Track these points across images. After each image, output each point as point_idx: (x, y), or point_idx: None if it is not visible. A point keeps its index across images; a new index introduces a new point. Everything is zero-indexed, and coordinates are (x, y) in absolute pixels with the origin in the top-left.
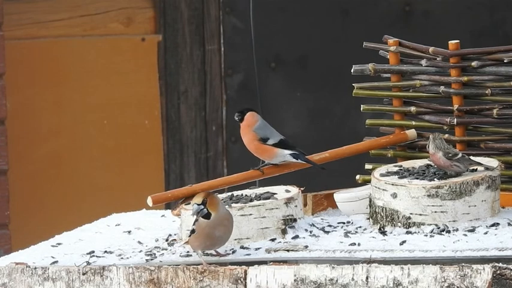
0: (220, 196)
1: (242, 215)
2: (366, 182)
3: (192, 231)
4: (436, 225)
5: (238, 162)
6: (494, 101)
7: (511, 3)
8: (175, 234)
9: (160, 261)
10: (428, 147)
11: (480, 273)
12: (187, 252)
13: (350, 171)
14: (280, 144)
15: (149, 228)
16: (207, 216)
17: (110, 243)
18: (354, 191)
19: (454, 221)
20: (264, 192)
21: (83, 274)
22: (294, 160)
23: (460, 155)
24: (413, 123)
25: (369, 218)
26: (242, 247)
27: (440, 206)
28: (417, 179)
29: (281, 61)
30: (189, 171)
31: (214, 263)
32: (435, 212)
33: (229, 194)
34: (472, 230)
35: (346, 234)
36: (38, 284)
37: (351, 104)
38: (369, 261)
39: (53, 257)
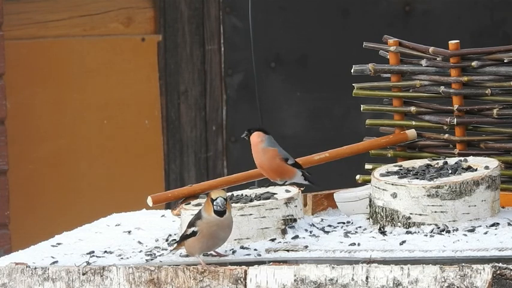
0: None
1: (242, 215)
2: (366, 182)
3: (193, 234)
4: (436, 225)
5: (238, 162)
6: (494, 101)
7: (511, 3)
8: (175, 234)
9: (160, 261)
10: None
11: (480, 273)
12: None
13: (350, 171)
14: (295, 165)
15: (149, 228)
16: (222, 213)
17: (110, 243)
18: (354, 191)
19: (454, 221)
20: (264, 192)
21: (83, 274)
22: (304, 182)
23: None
24: (413, 123)
25: (369, 218)
26: (242, 247)
27: (440, 206)
28: (417, 178)
29: (281, 61)
30: (189, 171)
31: (214, 263)
32: (435, 212)
33: (229, 194)
34: (472, 230)
35: (346, 234)
36: (38, 284)
37: (351, 104)
38: (369, 261)
39: (53, 257)
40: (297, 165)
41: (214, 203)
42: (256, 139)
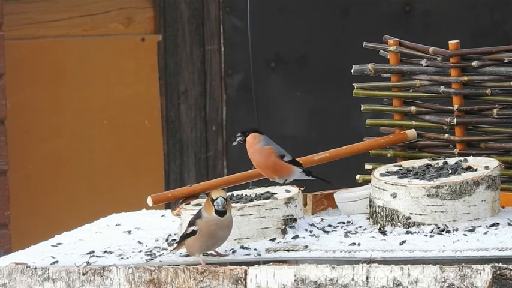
0: None
1: (242, 215)
2: (366, 182)
3: (192, 233)
4: (436, 225)
5: (238, 162)
6: (494, 101)
7: (511, 3)
8: (175, 234)
9: (160, 261)
10: None
11: (480, 273)
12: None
13: (350, 171)
14: (292, 162)
15: (149, 228)
16: (223, 213)
17: (110, 243)
18: (354, 191)
19: (454, 220)
20: (264, 192)
21: (83, 274)
22: (306, 177)
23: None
24: (414, 123)
25: (369, 218)
26: (242, 247)
27: (440, 206)
28: (417, 178)
29: (281, 61)
30: (189, 171)
31: (214, 263)
32: (435, 212)
33: (229, 194)
34: (472, 230)
35: (346, 234)
36: (38, 284)
37: (351, 104)
38: (369, 261)
39: (53, 257)
40: (295, 162)
41: (215, 203)
42: (253, 140)
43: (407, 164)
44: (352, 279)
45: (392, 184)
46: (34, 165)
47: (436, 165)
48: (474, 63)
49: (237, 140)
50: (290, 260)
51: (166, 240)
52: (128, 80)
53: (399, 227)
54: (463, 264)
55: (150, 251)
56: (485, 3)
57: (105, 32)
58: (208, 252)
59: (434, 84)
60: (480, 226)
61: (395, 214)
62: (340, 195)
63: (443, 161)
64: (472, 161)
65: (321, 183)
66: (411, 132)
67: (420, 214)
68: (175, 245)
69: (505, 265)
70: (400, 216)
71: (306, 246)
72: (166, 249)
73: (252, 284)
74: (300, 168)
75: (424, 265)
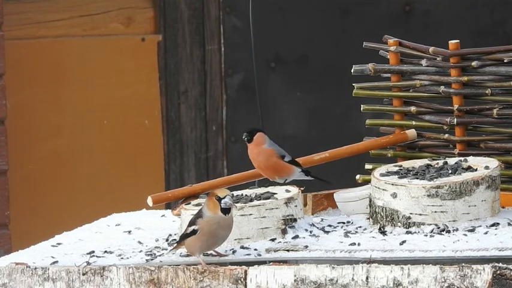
0: None
1: (242, 215)
2: (366, 182)
3: (193, 232)
4: (436, 225)
5: (238, 162)
6: (494, 101)
7: (511, 3)
8: (175, 234)
9: (161, 261)
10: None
11: (480, 273)
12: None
13: (350, 171)
14: (292, 162)
15: (149, 228)
16: (229, 211)
17: (110, 243)
18: (354, 191)
19: (454, 221)
20: (264, 192)
21: (83, 274)
22: (305, 177)
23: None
24: (414, 123)
25: (369, 218)
26: (242, 247)
27: (440, 206)
28: (417, 178)
29: (281, 61)
30: (189, 171)
31: (214, 263)
32: (435, 212)
33: (230, 193)
34: (472, 230)
35: (346, 234)
36: (38, 284)
37: (351, 104)
38: (369, 261)
39: (53, 257)
40: (295, 163)
41: (223, 201)
42: (262, 140)
43: (407, 164)
44: (352, 279)
45: (393, 184)
46: (34, 165)
47: (436, 165)
48: (474, 63)
49: (244, 137)
50: (290, 260)
51: (167, 240)
52: (128, 80)
53: (399, 227)
54: (463, 264)
55: (150, 251)
56: (485, 3)
57: (105, 32)
58: (208, 252)
59: (434, 84)
60: (480, 226)
61: (395, 214)
62: (340, 195)
63: (443, 161)
64: (472, 161)
65: (321, 183)
66: (411, 132)
67: (420, 214)
68: (175, 245)
69: (505, 265)
70: (400, 216)
71: (306, 246)
72: (166, 249)
73: (252, 284)
74: (299, 168)
75: (424, 265)
